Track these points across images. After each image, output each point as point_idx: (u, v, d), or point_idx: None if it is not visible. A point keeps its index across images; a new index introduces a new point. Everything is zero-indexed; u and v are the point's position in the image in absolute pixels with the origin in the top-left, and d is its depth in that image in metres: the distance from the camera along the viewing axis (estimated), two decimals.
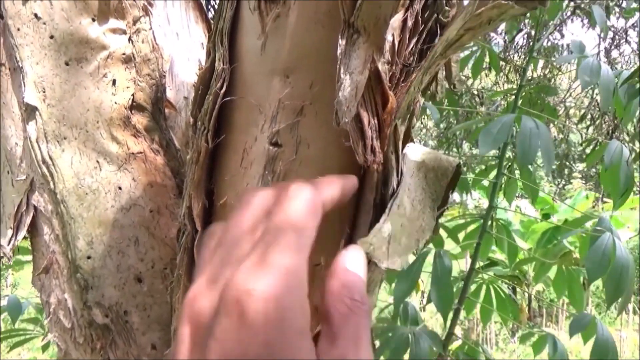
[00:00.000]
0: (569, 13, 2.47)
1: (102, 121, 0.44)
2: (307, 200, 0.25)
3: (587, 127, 2.55)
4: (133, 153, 0.45)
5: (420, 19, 0.33)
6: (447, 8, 0.34)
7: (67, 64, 0.44)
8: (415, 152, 0.34)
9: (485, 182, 1.49)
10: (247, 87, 0.35)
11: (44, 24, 0.43)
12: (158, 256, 0.45)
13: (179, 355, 0.22)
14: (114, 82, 0.44)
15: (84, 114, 0.44)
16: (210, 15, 0.76)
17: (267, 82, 0.34)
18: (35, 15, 0.43)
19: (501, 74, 2.53)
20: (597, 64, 1.19)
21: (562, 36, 2.58)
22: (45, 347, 1.28)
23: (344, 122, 0.31)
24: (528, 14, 1.73)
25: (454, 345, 1.42)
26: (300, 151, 0.34)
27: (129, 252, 0.44)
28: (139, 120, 0.46)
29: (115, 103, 0.44)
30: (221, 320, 0.20)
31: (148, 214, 0.45)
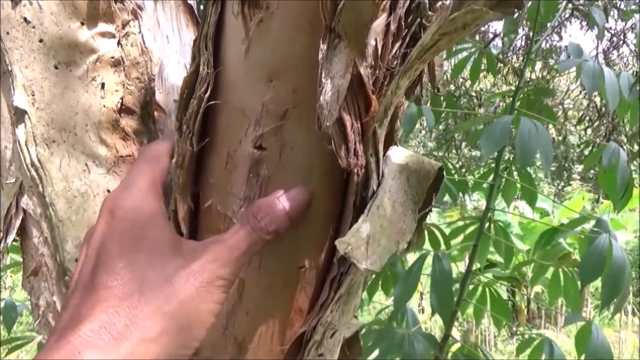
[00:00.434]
0: (567, 14, 2.47)
1: (91, 124, 0.44)
2: None
3: (586, 129, 2.56)
4: (122, 156, 0.45)
5: (403, 23, 0.34)
6: (430, 13, 0.34)
7: (56, 67, 0.44)
8: (398, 155, 0.35)
9: (485, 185, 1.49)
10: (232, 91, 0.35)
11: (34, 27, 0.43)
12: None
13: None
14: (102, 85, 0.45)
15: (72, 117, 0.44)
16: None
17: (251, 86, 0.34)
18: (25, 19, 0.43)
19: (499, 75, 2.53)
20: (599, 68, 1.19)
21: (561, 38, 2.58)
22: (41, 347, 1.28)
23: (326, 125, 0.31)
24: (526, 15, 1.74)
25: (454, 347, 1.42)
26: (284, 154, 0.34)
27: None
28: (128, 123, 0.46)
29: (104, 106, 0.45)
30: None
31: None
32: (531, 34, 1.49)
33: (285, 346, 0.36)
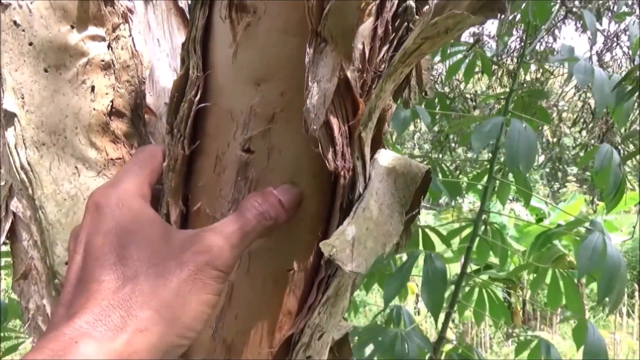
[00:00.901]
0: (561, 17, 2.48)
1: (81, 127, 0.44)
2: None
3: (580, 131, 2.57)
4: (112, 159, 0.45)
5: (390, 27, 0.34)
6: (417, 17, 0.34)
7: (46, 70, 0.44)
8: (385, 158, 0.35)
9: (479, 186, 1.49)
10: (220, 94, 0.35)
11: (23, 31, 0.43)
12: None
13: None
14: (92, 88, 0.45)
15: (62, 120, 0.44)
16: None
17: (239, 89, 0.34)
18: (15, 22, 0.43)
19: (494, 77, 2.54)
20: (590, 66, 1.20)
21: (555, 40, 2.59)
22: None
23: (313, 129, 0.31)
24: (518, 17, 1.74)
25: (447, 347, 1.43)
26: (272, 157, 0.34)
27: None
28: (118, 126, 0.46)
29: (94, 109, 0.45)
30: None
31: None
32: (525, 36, 1.50)
33: (274, 348, 0.36)
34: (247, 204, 0.33)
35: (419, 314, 3.63)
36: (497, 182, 1.44)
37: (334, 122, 0.32)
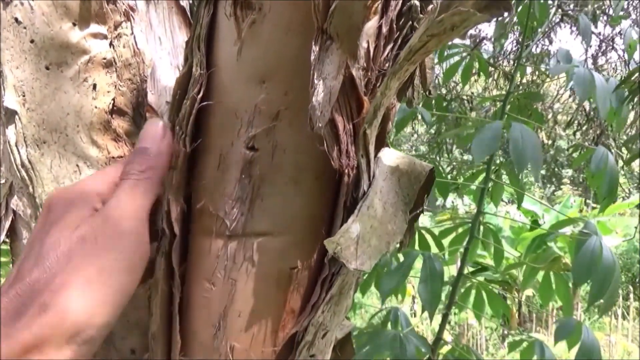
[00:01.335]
0: (557, 19, 2.50)
1: (82, 125, 0.44)
2: None
3: (574, 133, 2.58)
4: (113, 157, 0.45)
5: (395, 26, 0.34)
6: (421, 16, 0.34)
7: (47, 68, 0.44)
8: (389, 157, 0.35)
9: (473, 187, 1.50)
10: (224, 92, 0.35)
11: (25, 28, 0.43)
12: None
13: None
14: (94, 86, 0.44)
15: (63, 118, 0.44)
16: None
17: (243, 87, 0.34)
18: (16, 19, 0.43)
19: (491, 79, 2.55)
20: (589, 74, 1.20)
21: (551, 42, 2.61)
22: None
23: (318, 127, 0.31)
24: (515, 19, 1.75)
25: (444, 349, 1.43)
26: (277, 155, 0.34)
27: None
28: (120, 124, 0.46)
29: (96, 107, 0.44)
30: None
31: None
32: (521, 38, 1.51)
33: (278, 347, 0.36)
34: (121, 175, 0.36)
35: (415, 316, 3.63)
36: (491, 182, 1.44)
37: (339, 120, 0.33)
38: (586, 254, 1.03)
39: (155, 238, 0.37)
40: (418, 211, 0.35)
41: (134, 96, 0.47)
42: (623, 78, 1.25)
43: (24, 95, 0.43)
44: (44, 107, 0.43)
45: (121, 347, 0.45)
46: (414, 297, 3.63)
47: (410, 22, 0.34)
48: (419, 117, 1.54)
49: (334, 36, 0.30)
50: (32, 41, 0.43)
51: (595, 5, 2.11)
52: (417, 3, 0.34)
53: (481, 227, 1.42)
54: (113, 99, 0.45)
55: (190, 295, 0.38)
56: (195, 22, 0.35)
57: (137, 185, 0.34)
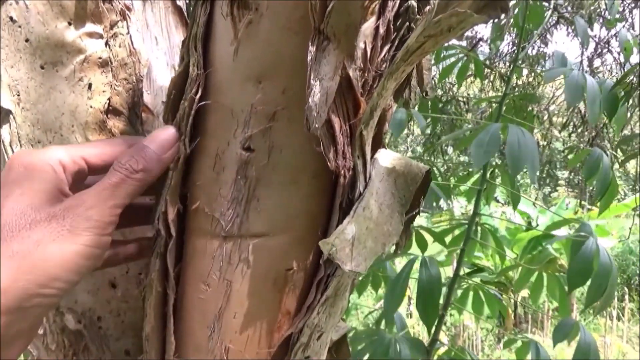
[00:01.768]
0: (553, 22, 2.51)
1: (77, 125, 0.44)
2: None
3: (570, 134, 2.59)
4: None
5: (392, 27, 0.34)
6: (419, 17, 0.34)
7: (42, 67, 0.43)
8: (385, 158, 0.35)
9: (466, 187, 1.50)
10: (220, 92, 0.35)
11: (20, 27, 0.43)
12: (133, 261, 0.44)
13: None
14: (89, 86, 0.44)
15: (58, 118, 0.43)
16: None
17: (240, 87, 0.34)
18: (11, 18, 0.43)
19: (487, 81, 2.56)
20: (582, 77, 1.20)
21: (546, 44, 2.62)
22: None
23: (314, 127, 0.31)
24: (512, 21, 1.76)
25: (440, 350, 1.43)
26: (273, 156, 0.34)
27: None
28: (115, 124, 0.45)
29: (91, 107, 0.44)
30: None
31: None
32: (517, 40, 1.51)
33: (273, 348, 0.36)
34: (115, 163, 0.34)
35: (411, 317, 3.64)
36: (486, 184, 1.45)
37: (336, 120, 0.32)
38: (582, 259, 1.03)
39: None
40: (414, 212, 0.35)
41: (129, 96, 0.47)
42: (617, 80, 1.26)
43: (18, 95, 0.43)
44: (38, 107, 0.43)
45: (115, 349, 0.45)
46: (409, 298, 3.63)
47: (408, 23, 0.34)
48: (415, 120, 1.54)
49: (331, 36, 0.30)
50: (27, 40, 0.43)
51: (592, 8, 2.12)
52: (415, 4, 0.34)
53: (479, 229, 1.42)
54: (108, 99, 0.45)
55: (185, 296, 0.38)
56: (191, 22, 0.35)
57: (124, 182, 0.33)
